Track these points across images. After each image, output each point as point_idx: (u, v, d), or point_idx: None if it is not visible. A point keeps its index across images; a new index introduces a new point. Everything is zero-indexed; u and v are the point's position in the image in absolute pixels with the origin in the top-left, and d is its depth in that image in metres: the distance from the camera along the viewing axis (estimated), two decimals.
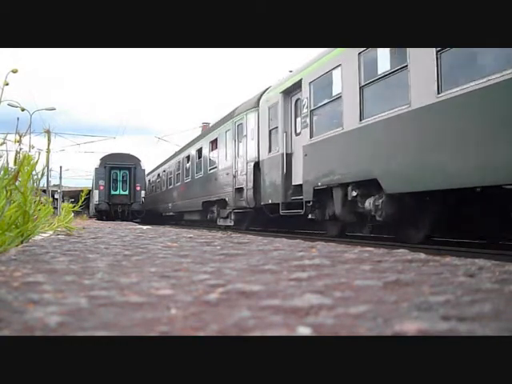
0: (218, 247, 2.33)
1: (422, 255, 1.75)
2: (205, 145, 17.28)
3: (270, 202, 10.85)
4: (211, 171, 15.95)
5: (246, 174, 12.08)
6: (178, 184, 21.86)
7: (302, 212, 9.14)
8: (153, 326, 0.75)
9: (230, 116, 14.08)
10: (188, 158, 20.27)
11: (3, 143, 2.84)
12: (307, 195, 8.83)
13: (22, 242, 2.52)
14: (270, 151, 10.94)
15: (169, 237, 3.45)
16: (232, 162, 13.38)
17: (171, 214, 24.04)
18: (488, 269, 1.37)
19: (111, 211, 23.66)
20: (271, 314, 0.83)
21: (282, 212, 10.16)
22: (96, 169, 25.26)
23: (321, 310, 0.86)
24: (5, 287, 1.06)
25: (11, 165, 2.67)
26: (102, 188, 24.21)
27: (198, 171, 18.18)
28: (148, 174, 31.56)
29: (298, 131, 9.81)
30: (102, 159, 25.36)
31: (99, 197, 24.12)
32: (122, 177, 24.93)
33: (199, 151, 18.22)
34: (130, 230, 4.95)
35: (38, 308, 0.86)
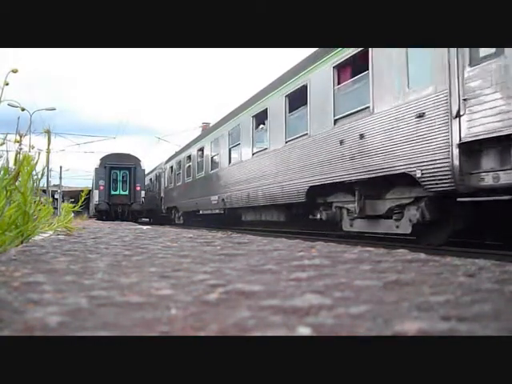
0: (218, 247, 2.33)
1: (422, 255, 1.75)
2: (319, 77, 8.66)
3: None
4: (347, 124, 7.70)
5: None
6: (234, 165, 13.59)
7: None
8: (153, 326, 0.75)
9: None
10: (262, 116, 11.54)
11: (3, 143, 2.84)
12: None
13: (22, 242, 2.52)
14: None
15: (169, 237, 3.45)
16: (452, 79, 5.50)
17: (216, 211, 15.70)
18: (488, 269, 1.37)
19: (111, 211, 23.67)
20: (271, 314, 0.83)
21: None
22: (96, 169, 25.26)
23: (321, 310, 0.86)
24: (5, 287, 1.06)
25: (11, 165, 2.67)
26: (102, 188, 24.22)
27: (294, 132, 9.77)
28: (168, 161, 24.43)
29: None
30: (102, 159, 25.37)
31: (99, 197, 24.12)
32: (122, 177, 24.92)
33: (299, 94, 9.48)
34: (129, 230, 4.95)
35: (38, 308, 0.86)
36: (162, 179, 25.65)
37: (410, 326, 0.72)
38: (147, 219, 28.73)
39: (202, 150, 17.68)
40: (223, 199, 14.24)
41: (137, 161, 25.27)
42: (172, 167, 23.24)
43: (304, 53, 10.12)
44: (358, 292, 1.04)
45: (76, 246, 2.38)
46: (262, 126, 12.10)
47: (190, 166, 19.47)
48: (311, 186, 8.95)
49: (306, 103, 9.20)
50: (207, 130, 17.99)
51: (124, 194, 24.61)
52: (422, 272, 1.34)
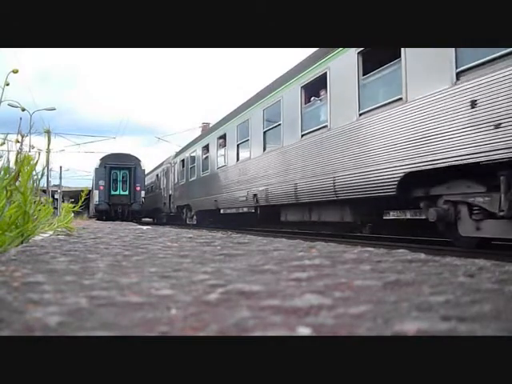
0: (218, 247, 2.33)
1: (422, 255, 1.75)
2: None
3: None
4: (491, 74, 4.99)
5: None
6: (271, 152, 10.78)
7: None
8: (153, 326, 0.75)
9: None
10: (318, 84, 8.82)
11: (3, 143, 2.84)
12: None
13: (22, 242, 2.52)
14: None
15: (169, 237, 3.45)
16: None
17: (244, 209, 12.77)
18: (488, 269, 1.37)
19: (111, 211, 23.68)
20: (271, 314, 0.83)
21: None
22: (96, 169, 25.30)
23: (321, 310, 0.86)
24: (5, 287, 1.06)
25: (11, 165, 2.67)
26: (101, 188, 24.27)
27: (373, 100, 7.26)
28: (179, 154, 21.09)
29: None
30: (101, 159, 25.41)
31: (99, 197, 24.17)
32: (122, 177, 24.95)
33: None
34: (129, 231, 4.95)
35: (38, 308, 0.86)
36: (171, 175, 22.88)
37: (410, 326, 0.72)
38: (150, 219, 28.35)
39: (223, 137, 14.54)
40: (255, 195, 11.37)
41: (137, 161, 25.29)
42: (184, 161, 20.03)
43: (303, 53, 9.78)
44: (357, 292, 1.04)
45: (76, 246, 2.38)
46: (315, 98, 9.09)
47: (207, 157, 16.41)
48: (409, 173, 6.15)
49: (399, 57, 6.51)
50: (232, 113, 14.13)
51: (124, 194, 24.64)
52: (422, 272, 1.34)
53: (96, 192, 24.50)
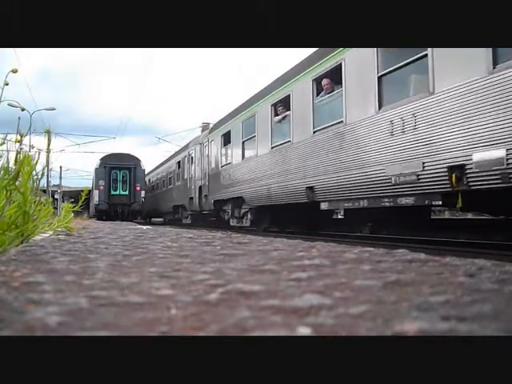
0: (218, 247, 2.33)
1: (422, 255, 1.75)
2: None
3: None
4: None
5: None
6: None
7: None
8: (153, 326, 0.75)
9: None
10: None
11: (3, 143, 2.84)
12: None
13: (21, 242, 2.52)
14: None
15: (169, 237, 3.45)
16: None
17: (402, 200, 6.14)
18: (488, 269, 1.37)
19: (111, 211, 23.64)
20: (271, 314, 0.83)
21: None
22: (96, 169, 25.27)
23: (321, 310, 0.86)
24: (5, 287, 1.06)
25: (11, 165, 2.67)
26: (101, 188, 24.23)
27: None
28: (217, 127, 14.65)
29: None
30: (101, 159, 25.39)
31: (99, 197, 24.13)
32: (122, 177, 24.92)
33: None
34: (129, 230, 4.95)
35: (38, 308, 0.86)
36: (203, 159, 16.49)
37: (410, 326, 0.72)
38: (160, 219, 27.34)
39: (328, 77, 8.26)
40: (451, 170, 5.30)
41: (137, 161, 25.27)
42: (229, 134, 13.29)
43: (303, 53, 9.54)
44: (357, 292, 1.04)
45: (76, 245, 2.38)
46: None
47: (285, 118, 9.80)
48: None
49: None
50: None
51: (124, 194, 24.61)
52: (422, 272, 1.34)
53: (96, 192, 24.47)
